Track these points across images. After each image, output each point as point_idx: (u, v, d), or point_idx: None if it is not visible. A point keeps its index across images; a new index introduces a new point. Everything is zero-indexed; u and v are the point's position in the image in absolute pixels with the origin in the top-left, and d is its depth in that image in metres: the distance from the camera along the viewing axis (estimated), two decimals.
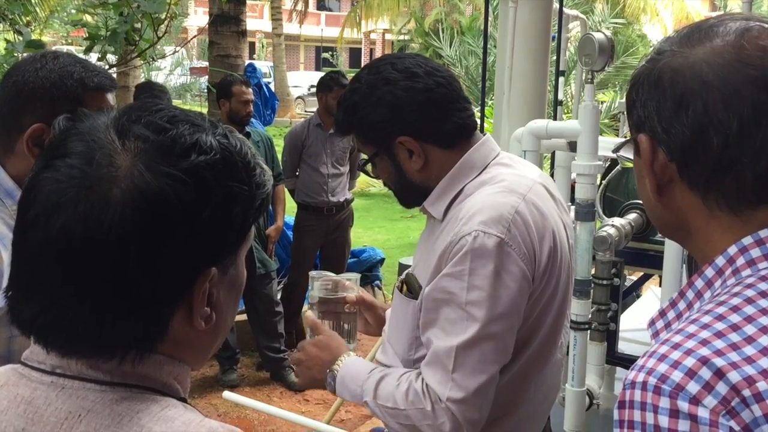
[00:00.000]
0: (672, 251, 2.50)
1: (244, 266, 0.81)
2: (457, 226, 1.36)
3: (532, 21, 3.21)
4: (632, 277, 3.68)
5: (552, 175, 3.03)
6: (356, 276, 1.77)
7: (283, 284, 5.12)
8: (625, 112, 0.91)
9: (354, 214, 5.19)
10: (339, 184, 4.87)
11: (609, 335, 2.53)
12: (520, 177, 1.45)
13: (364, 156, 1.55)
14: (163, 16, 3.62)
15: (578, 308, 2.29)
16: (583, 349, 2.33)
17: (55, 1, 7.53)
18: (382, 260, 6.04)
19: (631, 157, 0.89)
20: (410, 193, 1.53)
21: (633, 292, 3.64)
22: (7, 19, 4.06)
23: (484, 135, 1.53)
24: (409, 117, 1.43)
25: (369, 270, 5.83)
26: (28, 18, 4.71)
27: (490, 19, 4.38)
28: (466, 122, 1.48)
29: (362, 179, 11.39)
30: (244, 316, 4.66)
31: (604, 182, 2.88)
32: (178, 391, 0.75)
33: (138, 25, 3.71)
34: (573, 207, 2.36)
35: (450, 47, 11.82)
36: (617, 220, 2.51)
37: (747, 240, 0.78)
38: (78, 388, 0.70)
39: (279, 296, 4.76)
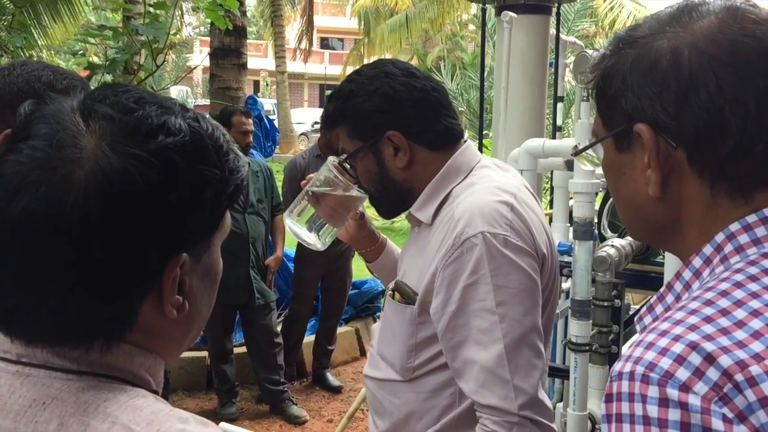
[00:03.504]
0: (673, 272, 2.46)
1: (219, 256, 0.78)
2: (453, 226, 1.34)
3: (529, 45, 3.22)
4: (636, 306, 3.63)
5: (552, 198, 3.00)
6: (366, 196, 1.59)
7: (283, 316, 5.07)
8: (598, 107, 0.84)
9: None
10: None
11: (611, 358, 2.48)
12: (506, 177, 1.45)
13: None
14: (162, 46, 3.64)
15: (578, 329, 2.25)
16: (584, 372, 2.28)
17: (59, 35, 7.63)
18: (383, 291, 5.99)
19: (600, 156, 0.86)
20: (390, 193, 1.50)
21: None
22: (9, 51, 4.10)
23: (466, 142, 1.52)
24: (403, 111, 1.43)
25: (370, 301, 5.79)
26: (31, 51, 4.75)
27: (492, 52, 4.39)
28: (454, 127, 1.49)
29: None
30: (243, 348, 4.61)
31: (608, 203, 2.86)
32: (150, 383, 0.73)
33: (138, 59, 3.73)
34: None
35: (452, 82, 11.90)
36: (617, 241, 2.48)
37: (734, 226, 0.75)
38: (44, 376, 0.68)
39: (279, 328, 4.71)
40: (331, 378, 4.96)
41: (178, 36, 3.74)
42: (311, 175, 1.55)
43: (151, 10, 3.69)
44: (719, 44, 0.73)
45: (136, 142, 0.66)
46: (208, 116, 0.76)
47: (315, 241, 1.55)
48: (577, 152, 0.90)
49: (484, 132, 5.71)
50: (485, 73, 4.77)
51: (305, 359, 5.09)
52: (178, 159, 0.68)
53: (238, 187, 0.75)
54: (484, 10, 3.68)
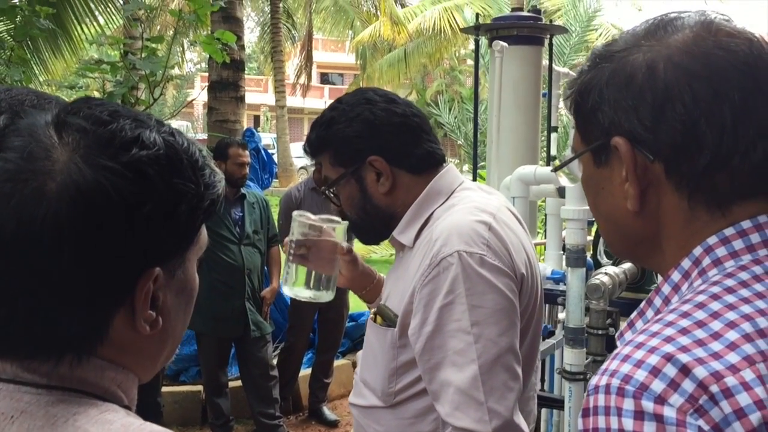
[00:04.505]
0: None
1: (195, 272, 0.77)
2: (431, 246, 1.34)
3: (522, 76, 3.25)
4: None
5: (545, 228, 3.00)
6: (344, 223, 1.59)
7: (279, 349, 5.03)
8: (576, 122, 0.84)
9: None
10: None
11: None
12: (488, 199, 1.45)
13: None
14: (160, 79, 3.67)
15: (572, 358, 2.23)
16: (579, 401, 2.26)
17: (60, 70, 7.70)
18: None
19: (579, 173, 0.86)
20: (373, 219, 1.49)
21: None
22: (6, 84, 4.13)
23: (448, 165, 1.52)
24: (384, 137, 1.44)
25: None
26: (30, 85, 4.79)
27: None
28: (436, 151, 1.49)
29: (364, 246, 11.36)
30: (238, 382, 4.56)
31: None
32: (122, 399, 0.71)
33: (137, 93, 3.76)
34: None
35: (449, 115, 11.99)
36: (611, 269, 2.47)
37: (712, 239, 0.74)
38: (13, 390, 0.67)
39: (275, 361, 4.67)
40: (328, 412, 4.91)
41: (177, 70, 3.77)
42: (285, 240, 1.55)
43: (149, 44, 3.74)
44: (694, 57, 0.73)
45: (110, 155, 0.66)
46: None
47: (321, 295, 1.56)
48: (557, 168, 0.91)
49: (481, 163, 5.73)
50: (483, 107, 4.79)
51: (301, 393, 5.04)
52: (152, 172, 0.68)
53: (214, 203, 0.75)
54: (477, 41, 3.72)
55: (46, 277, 0.64)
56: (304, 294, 1.56)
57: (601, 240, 2.83)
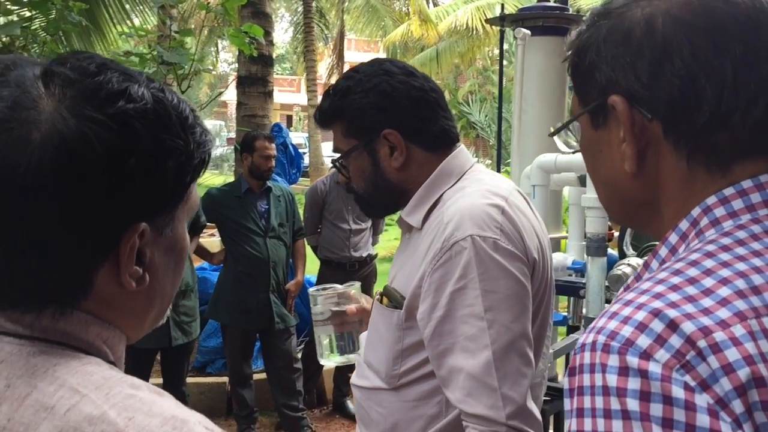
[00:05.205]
0: None
1: (185, 232, 0.77)
2: (443, 230, 1.31)
3: (548, 67, 3.20)
4: None
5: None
6: (357, 284, 1.70)
7: (304, 342, 5.05)
8: (575, 84, 0.82)
9: (377, 270, 5.14)
10: (361, 239, 4.85)
11: None
12: (499, 182, 1.42)
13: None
14: (187, 72, 3.70)
15: None
16: None
17: None
18: None
19: (576, 135, 0.83)
20: (382, 194, 1.46)
21: None
22: None
23: (460, 145, 1.49)
24: (400, 110, 1.40)
25: None
26: None
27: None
28: (451, 130, 1.46)
29: (393, 244, 11.35)
30: (263, 375, 4.59)
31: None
32: (107, 354, 0.71)
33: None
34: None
35: (480, 113, 11.94)
36: (633, 260, 2.43)
37: (711, 199, 0.72)
38: None
39: (300, 354, 4.68)
40: (352, 406, 4.91)
41: (212, 70, 3.80)
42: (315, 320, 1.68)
43: (177, 36, 3.77)
44: (694, 10, 0.71)
45: (95, 106, 0.66)
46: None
47: (353, 358, 1.65)
48: (553, 132, 0.88)
49: (508, 160, 5.67)
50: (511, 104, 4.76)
51: (325, 386, 5.05)
52: (138, 126, 0.67)
53: (203, 161, 0.75)
54: (501, 32, 3.68)
55: (27, 225, 0.64)
56: (338, 360, 1.68)
57: (628, 231, 2.79)
